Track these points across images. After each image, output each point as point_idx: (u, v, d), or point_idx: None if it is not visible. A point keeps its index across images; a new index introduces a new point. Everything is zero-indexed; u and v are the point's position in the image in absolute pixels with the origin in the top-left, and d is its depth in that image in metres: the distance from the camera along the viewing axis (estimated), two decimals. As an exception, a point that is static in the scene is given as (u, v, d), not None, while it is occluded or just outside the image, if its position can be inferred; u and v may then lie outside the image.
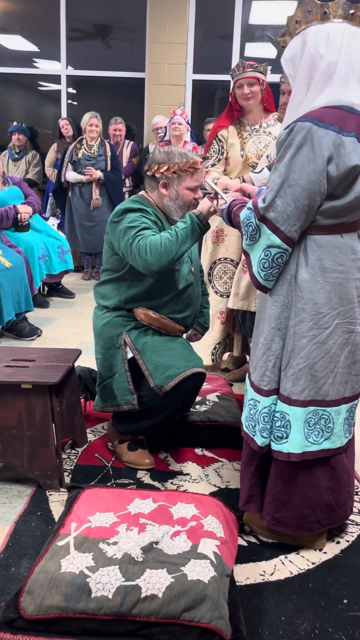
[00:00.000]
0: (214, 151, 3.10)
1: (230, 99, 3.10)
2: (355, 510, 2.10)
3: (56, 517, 2.00)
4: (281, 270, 1.70)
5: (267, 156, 2.86)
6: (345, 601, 1.68)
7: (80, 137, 5.81)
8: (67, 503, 1.94)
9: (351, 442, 1.92)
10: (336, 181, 1.59)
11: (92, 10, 7.08)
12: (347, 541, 1.94)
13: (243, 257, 2.98)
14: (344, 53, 1.57)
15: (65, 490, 2.14)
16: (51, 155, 6.41)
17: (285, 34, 1.72)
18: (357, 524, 2.03)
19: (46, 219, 5.46)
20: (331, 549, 1.90)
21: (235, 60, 6.63)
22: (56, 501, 2.10)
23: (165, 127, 5.53)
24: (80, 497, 1.93)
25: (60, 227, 5.73)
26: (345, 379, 1.76)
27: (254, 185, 2.79)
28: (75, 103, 7.52)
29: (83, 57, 7.19)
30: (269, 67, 3.05)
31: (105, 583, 1.52)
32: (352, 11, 1.61)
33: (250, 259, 1.73)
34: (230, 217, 1.89)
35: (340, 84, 1.57)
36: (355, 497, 2.17)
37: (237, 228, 1.84)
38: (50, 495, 2.14)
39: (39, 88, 7.74)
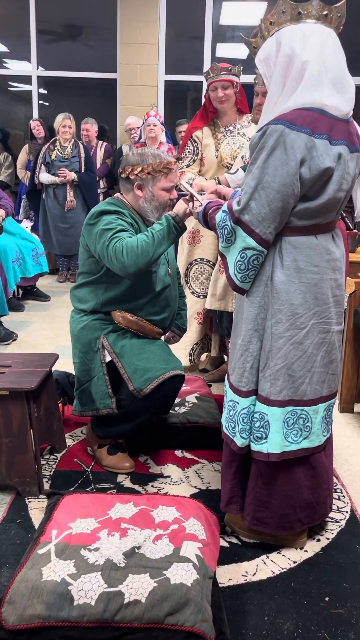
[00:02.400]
0: (188, 152, 3.11)
1: (204, 101, 3.11)
2: (334, 507, 2.12)
3: (36, 524, 1.98)
4: (257, 272, 1.71)
5: (242, 157, 2.87)
6: (327, 599, 1.69)
7: (53, 139, 5.76)
8: (47, 510, 1.92)
9: (329, 441, 1.93)
10: (309, 183, 1.60)
11: (62, 10, 7.03)
12: (328, 539, 1.96)
13: (220, 257, 2.99)
14: (318, 53, 1.58)
15: (44, 496, 2.12)
16: (23, 156, 6.34)
17: (257, 35, 1.73)
18: (336, 522, 2.05)
19: (19, 221, 5.39)
20: (312, 547, 1.92)
21: (206, 60, 6.65)
22: (36, 508, 2.07)
23: (140, 129, 5.50)
24: (61, 503, 1.91)
25: (34, 229, 5.68)
26: (322, 378, 1.78)
27: (229, 186, 2.81)
28: (47, 104, 7.45)
29: (54, 58, 7.14)
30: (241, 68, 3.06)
31: (88, 590, 1.50)
32: (325, 12, 1.62)
33: (227, 261, 1.73)
34: (206, 220, 1.89)
35: (313, 85, 1.58)
36: (335, 495, 2.19)
37: (212, 230, 1.84)
38: (29, 502, 2.11)
39: (9, 89, 7.65)
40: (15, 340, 3.99)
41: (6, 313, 4.07)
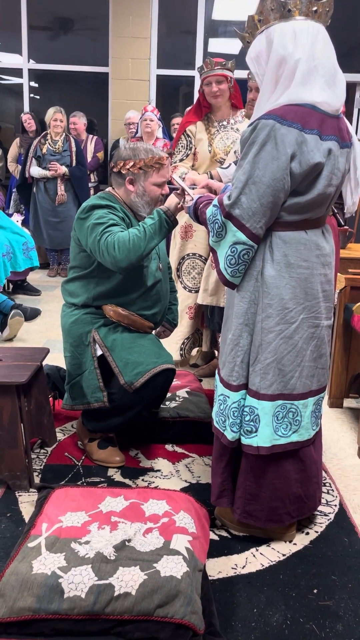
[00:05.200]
0: (182, 146, 3.10)
1: (198, 96, 3.10)
2: (323, 501, 2.14)
3: (26, 518, 1.98)
4: (247, 267, 1.71)
5: (235, 152, 2.87)
6: (315, 591, 1.71)
7: (44, 132, 5.73)
8: (37, 503, 1.92)
9: (318, 434, 1.95)
10: (299, 178, 1.61)
11: (53, 3, 6.98)
12: (316, 532, 1.98)
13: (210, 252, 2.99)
14: (309, 50, 1.58)
15: (35, 490, 2.12)
16: (14, 150, 6.30)
17: (247, 32, 1.73)
18: (325, 515, 2.07)
19: (10, 215, 5.36)
20: (301, 540, 1.93)
21: (199, 55, 6.63)
22: (26, 502, 2.07)
23: (137, 124, 5.48)
24: (51, 497, 1.91)
25: (24, 223, 5.65)
26: (311, 372, 1.79)
27: (221, 180, 2.81)
28: (38, 97, 7.40)
29: (45, 51, 7.09)
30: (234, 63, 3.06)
31: (78, 583, 1.51)
32: (314, 8, 1.62)
33: (217, 255, 1.74)
34: (197, 214, 1.90)
35: (302, 82, 1.58)
36: (324, 489, 2.21)
37: (203, 225, 1.84)
38: (20, 496, 2.11)
39: (0, 82, 7.59)
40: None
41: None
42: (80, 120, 6.11)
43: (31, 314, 4.00)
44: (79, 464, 2.34)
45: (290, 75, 1.59)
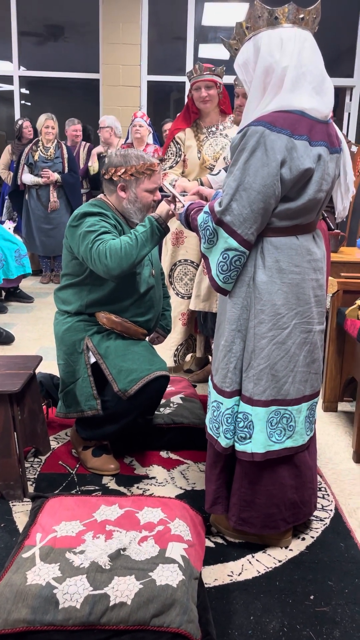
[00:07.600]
0: (171, 153, 3.11)
1: (187, 101, 3.11)
2: (318, 506, 2.13)
3: (20, 528, 1.96)
4: (239, 273, 1.71)
5: (225, 158, 2.88)
6: (311, 597, 1.70)
7: (36, 139, 5.73)
8: (31, 513, 1.90)
9: (313, 440, 1.95)
10: (290, 184, 1.61)
11: (43, 10, 6.99)
12: (312, 537, 1.97)
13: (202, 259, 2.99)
14: (297, 57, 1.59)
15: (29, 500, 2.11)
16: (5, 157, 6.30)
17: (235, 39, 1.74)
18: (321, 520, 2.07)
19: (2, 222, 5.35)
20: (297, 546, 1.93)
21: (189, 61, 6.66)
22: (20, 512, 2.06)
23: (128, 130, 5.50)
24: (45, 506, 1.90)
25: (16, 230, 5.64)
26: (304, 377, 1.79)
27: (212, 187, 2.81)
28: (29, 104, 7.41)
29: (36, 58, 7.10)
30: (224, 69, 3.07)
31: (73, 593, 1.50)
32: (301, 16, 1.63)
33: (209, 262, 1.74)
34: (188, 221, 1.90)
35: (292, 89, 1.59)
36: (319, 493, 2.21)
37: (194, 231, 1.84)
38: (13, 505, 2.10)
39: (-10, 89, 7.60)
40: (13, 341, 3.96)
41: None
42: (80, 127, 6.16)
43: (5, 340, 3.97)
44: (73, 472, 2.32)
45: (278, 82, 1.60)
